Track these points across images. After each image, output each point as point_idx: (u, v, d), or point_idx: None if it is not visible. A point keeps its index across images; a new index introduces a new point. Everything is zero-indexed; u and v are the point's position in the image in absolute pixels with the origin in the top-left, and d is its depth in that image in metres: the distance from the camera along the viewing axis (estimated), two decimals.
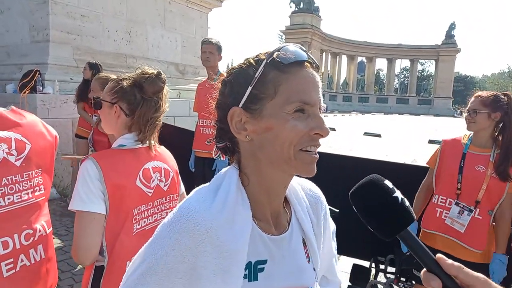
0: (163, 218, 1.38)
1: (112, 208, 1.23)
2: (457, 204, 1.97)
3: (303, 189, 0.79)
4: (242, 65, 0.66)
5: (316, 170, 0.64)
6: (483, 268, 1.89)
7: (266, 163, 0.65)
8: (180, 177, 1.53)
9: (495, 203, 1.91)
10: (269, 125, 0.62)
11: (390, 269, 2.67)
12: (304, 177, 0.71)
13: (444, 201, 2.03)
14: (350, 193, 0.61)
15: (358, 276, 2.70)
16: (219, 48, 3.39)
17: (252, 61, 0.65)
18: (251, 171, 0.67)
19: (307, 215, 0.75)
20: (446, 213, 2.00)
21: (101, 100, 1.37)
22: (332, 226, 0.87)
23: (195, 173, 3.48)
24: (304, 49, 0.66)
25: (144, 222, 1.34)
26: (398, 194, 0.58)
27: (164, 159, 1.45)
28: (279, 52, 0.63)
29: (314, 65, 0.65)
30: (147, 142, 1.38)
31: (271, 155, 0.63)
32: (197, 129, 3.48)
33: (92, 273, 1.27)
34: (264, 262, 0.65)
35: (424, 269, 0.54)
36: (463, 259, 1.89)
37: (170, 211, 1.42)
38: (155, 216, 1.38)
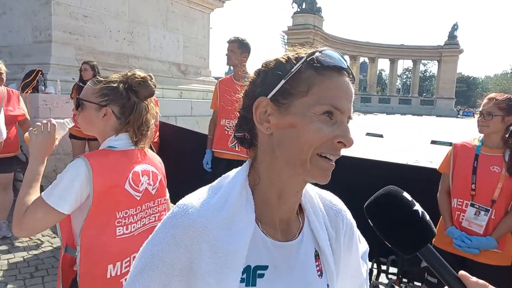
0: (151, 222, 1.36)
1: (96, 210, 1.21)
2: (472, 205, 1.95)
3: (321, 200, 0.75)
4: (281, 59, 0.64)
5: (330, 178, 0.61)
6: (505, 271, 1.89)
7: (281, 161, 0.62)
8: (166, 181, 1.51)
9: (511, 201, 1.90)
10: (294, 123, 0.60)
11: (392, 269, 2.66)
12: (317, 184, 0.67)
13: (461, 203, 2.00)
14: (365, 205, 0.58)
15: None
16: (241, 46, 3.21)
17: (291, 56, 0.64)
18: (265, 167, 0.64)
19: (323, 226, 0.71)
20: (463, 215, 1.98)
21: (87, 101, 1.31)
22: (364, 246, 0.82)
23: (214, 173, 3.32)
24: (344, 58, 0.64)
25: (134, 227, 1.31)
26: (418, 207, 0.55)
27: (153, 162, 1.43)
28: (320, 54, 0.62)
29: (351, 76, 0.64)
30: (141, 144, 1.38)
31: (288, 153, 0.61)
32: (220, 129, 3.29)
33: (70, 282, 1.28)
34: (265, 268, 0.62)
35: (446, 287, 0.51)
36: (483, 262, 1.88)
37: (158, 215, 1.40)
38: (143, 221, 1.36)
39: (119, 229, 1.26)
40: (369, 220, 0.57)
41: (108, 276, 1.24)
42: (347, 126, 0.61)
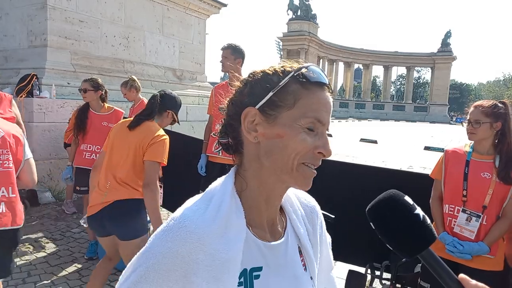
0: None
1: None
2: (464, 211, 1.96)
3: (298, 199, 0.80)
4: (268, 71, 0.68)
5: (311, 185, 0.66)
6: (497, 276, 1.90)
7: (268, 169, 0.66)
8: (25, 145, 1.99)
9: (502, 207, 1.92)
10: (281, 133, 0.64)
11: (386, 275, 2.68)
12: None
13: (452, 209, 2.02)
14: (367, 209, 0.59)
15: (353, 282, 2.70)
16: (234, 52, 3.28)
17: (278, 69, 0.67)
18: (251, 174, 0.68)
19: (302, 223, 0.76)
20: (455, 221, 2.00)
21: None
22: (328, 238, 0.87)
23: (208, 177, 3.38)
24: (325, 74, 0.69)
25: None
26: (419, 211, 0.56)
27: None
28: (306, 70, 0.66)
29: (331, 90, 0.69)
30: None
31: (276, 162, 0.64)
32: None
33: None
34: (260, 269, 0.66)
35: None
36: (476, 268, 1.89)
37: (0, 163, 1.89)
38: None
39: None
40: (371, 224, 0.59)
41: None
42: (327, 138, 0.66)
